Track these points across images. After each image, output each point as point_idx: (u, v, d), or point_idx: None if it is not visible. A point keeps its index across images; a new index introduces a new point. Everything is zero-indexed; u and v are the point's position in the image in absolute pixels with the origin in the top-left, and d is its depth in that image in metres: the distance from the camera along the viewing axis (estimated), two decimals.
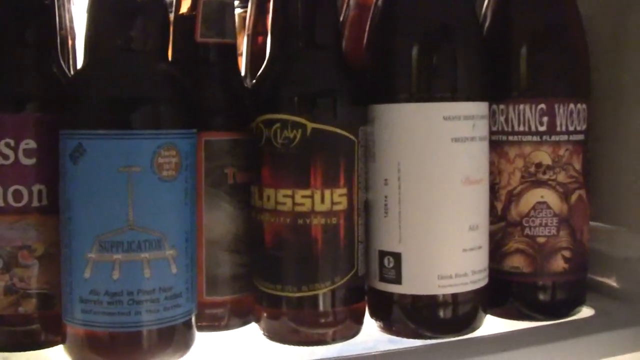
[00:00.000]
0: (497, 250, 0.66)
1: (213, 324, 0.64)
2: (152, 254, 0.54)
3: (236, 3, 0.93)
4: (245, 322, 0.65)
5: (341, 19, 0.78)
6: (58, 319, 0.56)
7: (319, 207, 0.59)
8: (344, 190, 0.60)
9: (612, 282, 0.73)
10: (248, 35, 0.86)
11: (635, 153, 0.71)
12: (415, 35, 0.61)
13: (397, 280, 0.61)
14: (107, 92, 0.54)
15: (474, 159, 0.61)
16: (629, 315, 0.69)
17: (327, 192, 0.59)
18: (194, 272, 0.58)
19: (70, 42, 0.79)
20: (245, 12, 0.89)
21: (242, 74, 0.86)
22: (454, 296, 0.61)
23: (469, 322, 0.63)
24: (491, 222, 0.65)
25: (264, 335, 0.62)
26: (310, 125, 0.58)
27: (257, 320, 0.63)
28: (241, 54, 0.90)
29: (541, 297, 0.67)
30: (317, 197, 0.59)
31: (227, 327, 0.64)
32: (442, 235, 0.60)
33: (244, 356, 0.62)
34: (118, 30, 0.56)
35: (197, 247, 0.60)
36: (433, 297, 0.61)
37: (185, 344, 0.57)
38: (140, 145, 0.53)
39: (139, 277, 0.54)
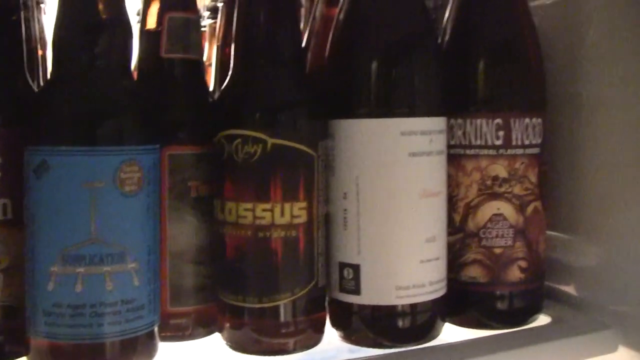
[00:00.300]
0: (455, 260, 0.67)
1: (177, 334, 0.64)
2: (114, 267, 0.55)
3: (207, 14, 0.95)
4: (209, 332, 0.65)
5: (308, 29, 0.79)
6: (22, 331, 0.56)
7: (279, 220, 0.60)
8: (303, 204, 0.61)
9: (569, 290, 0.74)
10: (218, 46, 0.87)
11: (590, 164, 0.72)
12: (373, 51, 0.62)
13: (357, 291, 0.62)
14: (70, 110, 0.55)
15: (431, 172, 0.62)
16: (584, 323, 0.71)
17: (287, 206, 0.60)
18: (157, 284, 0.59)
19: (40, 52, 0.80)
20: (216, 22, 0.90)
21: (212, 83, 0.87)
22: (412, 306, 0.63)
23: (427, 331, 0.64)
24: (449, 234, 0.66)
25: (227, 345, 0.63)
26: (271, 141, 0.59)
27: (220, 330, 0.63)
28: (211, 64, 0.91)
29: (498, 306, 0.68)
30: (277, 210, 0.60)
31: (191, 337, 0.65)
32: (399, 247, 0.62)
33: None
34: (82, 48, 0.57)
35: (161, 259, 0.61)
36: (391, 308, 0.62)
37: (149, 354, 0.58)
38: (102, 161, 0.54)
39: (101, 289, 0.55)
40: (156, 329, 0.59)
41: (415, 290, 0.62)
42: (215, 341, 0.64)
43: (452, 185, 0.67)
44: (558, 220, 0.74)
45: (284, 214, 0.60)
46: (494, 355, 0.64)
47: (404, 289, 0.62)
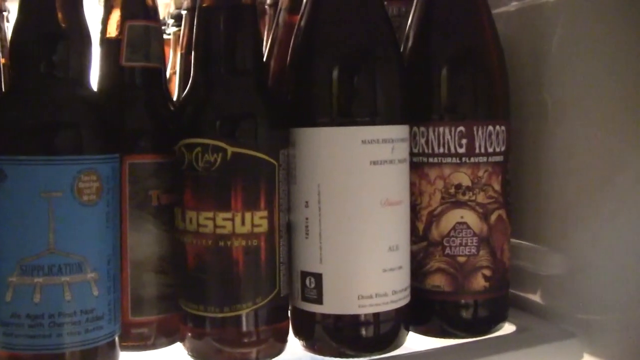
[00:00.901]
0: (419, 269, 0.67)
1: (139, 343, 0.64)
2: (73, 278, 0.55)
3: (171, 21, 0.95)
4: (172, 342, 0.65)
5: (271, 36, 0.79)
6: None
7: (239, 229, 0.59)
8: (264, 213, 0.60)
9: (534, 299, 0.74)
10: (182, 54, 0.87)
11: (555, 172, 0.72)
12: (333, 60, 0.61)
13: (319, 300, 0.62)
14: (28, 119, 0.55)
15: (393, 181, 0.62)
16: (549, 331, 0.70)
17: (248, 215, 0.60)
18: (117, 294, 0.58)
19: (2, 60, 0.79)
20: (180, 30, 0.90)
21: (176, 91, 0.87)
22: (375, 315, 0.62)
23: (390, 340, 0.64)
24: (413, 242, 0.66)
25: (189, 354, 0.62)
26: (231, 150, 0.59)
27: (182, 340, 0.63)
28: (175, 72, 0.91)
29: (463, 314, 0.68)
30: (238, 219, 0.59)
31: (153, 346, 0.65)
32: (361, 256, 0.61)
33: None
34: (40, 57, 0.56)
35: (122, 268, 0.61)
36: (354, 317, 0.62)
37: None
38: (60, 170, 0.54)
39: (60, 300, 0.54)
40: (117, 338, 0.59)
41: (378, 299, 0.62)
42: (178, 351, 0.64)
43: (415, 193, 0.67)
44: (523, 228, 0.74)
45: (244, 223, 0.59)
46: None
47: (366, 298, 0.61)
